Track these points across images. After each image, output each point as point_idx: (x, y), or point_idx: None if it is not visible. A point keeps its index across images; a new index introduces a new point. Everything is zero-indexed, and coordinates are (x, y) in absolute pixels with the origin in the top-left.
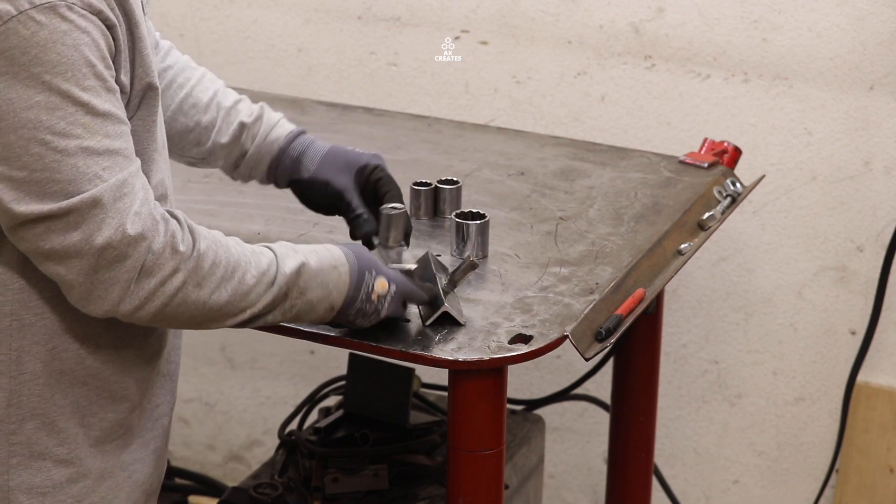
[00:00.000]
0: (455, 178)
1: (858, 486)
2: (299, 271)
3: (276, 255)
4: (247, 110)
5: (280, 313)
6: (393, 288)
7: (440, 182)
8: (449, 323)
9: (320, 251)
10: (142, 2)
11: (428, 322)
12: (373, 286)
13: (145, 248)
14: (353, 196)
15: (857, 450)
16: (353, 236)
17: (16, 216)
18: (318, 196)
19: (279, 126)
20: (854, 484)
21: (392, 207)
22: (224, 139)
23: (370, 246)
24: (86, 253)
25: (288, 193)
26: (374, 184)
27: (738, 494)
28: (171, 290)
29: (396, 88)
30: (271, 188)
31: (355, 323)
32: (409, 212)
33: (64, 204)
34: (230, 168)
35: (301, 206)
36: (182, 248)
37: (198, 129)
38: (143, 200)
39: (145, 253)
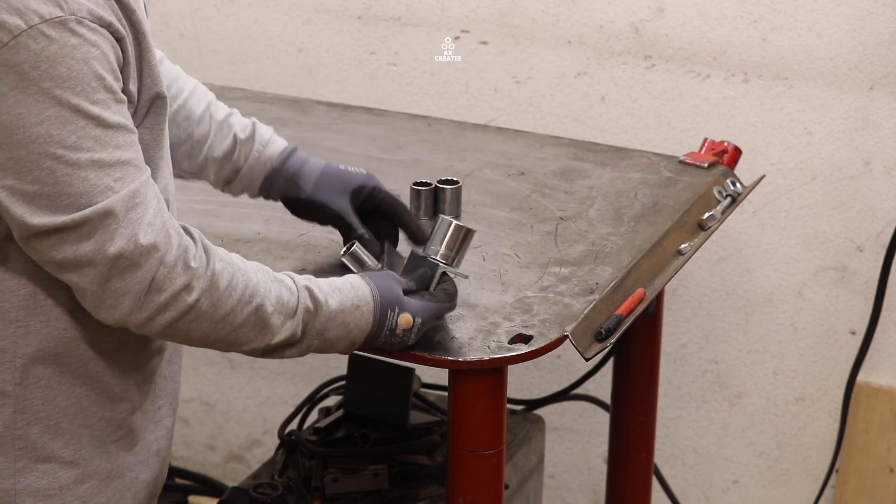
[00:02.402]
0: (455, 178)
1: (858, 486)
2: (318, 311)
3: (297, 289)
4: (240, 124)
5: (298, 351)
6: (418, 321)
7: (440, 182)
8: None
9: (344, 289)
10: (144, 3)
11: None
12: (396, 323)
13: (157, 260)
14: (353, 217)
15: (857, 450)
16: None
17: (28, 228)
18: (316, 216)
19: (272, 144)
20: (854, 484)
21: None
22: (217, 153)
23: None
24: (99, 262)
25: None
26: (374, 204)
27: (738, 494)
28: (184, 307)
29: (396, 88)
30: None
31: (383, 349)
32: (409, 210)
33: (76, 216)
34: (221, 183)
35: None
36: (194, 264)
37: (190, 141)
38: (156, 211)
39: (157, 264)
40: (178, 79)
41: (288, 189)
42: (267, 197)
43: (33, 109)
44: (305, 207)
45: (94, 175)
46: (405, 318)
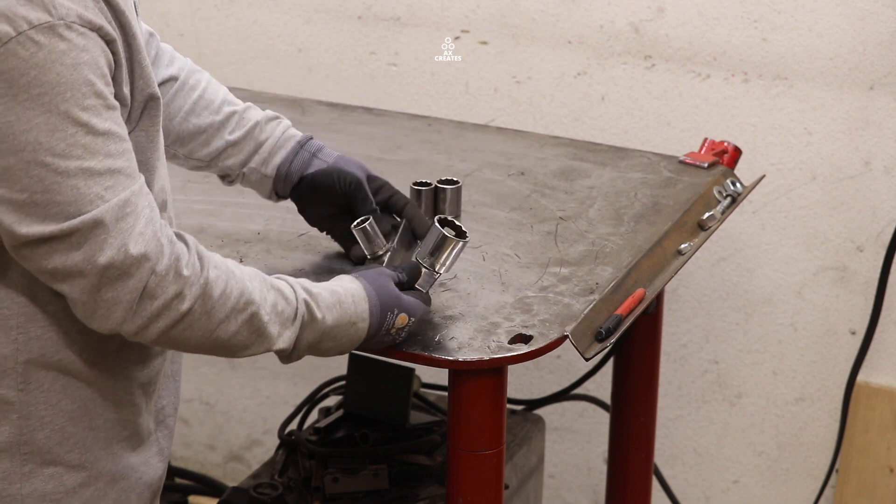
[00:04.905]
0: (455, 178)
1: (858, 486)
2: (313, 325)
3: (296, 300)
4: (260, 112)
5: (288, 361)
6: (412, 320)
7: (440, 182)
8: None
9: (346, 302)
10: (134, 3)
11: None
12: (393, 322)
13: (148, 269)
14: (367, 190)
15: (857, 450)
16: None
17: (18, 237)
18: (329, 186)
19: (292, 129)
20: (854, 484)
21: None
22: (235, 136)
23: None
24: (88, 272)
25: None
26: (385, 199)
27: (738, 494)
28: (177, 315)
29: (396, 88)
30: None
31: (372, 348)
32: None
33: (65, 225)
34: (238, 165)
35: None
36: (186, 272)
37: (210, 129)
38: (147, 220)
39: (148, 274)
40: (195, 71)
41: (308, 164)
42: (287, 177)
43: (22, 117)
44: (322, 179)
45: (84, 183)
46: (402, 318)
